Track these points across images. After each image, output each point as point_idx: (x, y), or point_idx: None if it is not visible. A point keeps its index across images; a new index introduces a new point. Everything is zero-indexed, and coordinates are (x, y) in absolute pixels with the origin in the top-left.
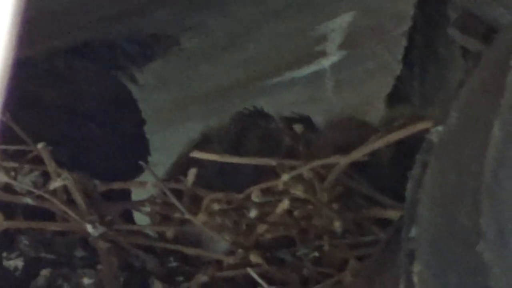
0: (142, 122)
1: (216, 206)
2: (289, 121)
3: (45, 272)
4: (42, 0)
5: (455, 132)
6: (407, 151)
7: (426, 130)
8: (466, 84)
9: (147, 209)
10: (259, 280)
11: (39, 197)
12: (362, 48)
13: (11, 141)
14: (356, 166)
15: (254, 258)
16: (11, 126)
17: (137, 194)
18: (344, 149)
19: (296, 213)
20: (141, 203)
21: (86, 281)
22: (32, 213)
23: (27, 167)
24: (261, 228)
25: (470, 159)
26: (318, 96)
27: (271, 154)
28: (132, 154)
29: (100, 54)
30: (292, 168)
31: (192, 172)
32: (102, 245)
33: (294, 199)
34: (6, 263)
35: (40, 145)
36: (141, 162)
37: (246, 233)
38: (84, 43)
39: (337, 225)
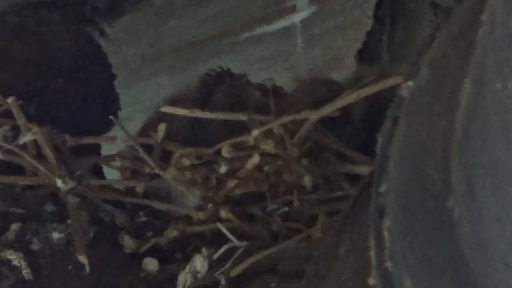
0: (112, 76)
1: (186, 161)
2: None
3: (14, 226)
4: None
5: (425, 87)
6: (379, 107)
7: (397, 86)
8: (436, 39)
9: (117, 164)
10: (229, 235)
11: (8, 151)
12: (332, 3)
13: None
14: (327, 122)
15: (224, 213)
16: None
17: (107, 148)
18: (314, 106)
19: (266, 168)
20: (111, 158)
21: (55, 235)
22: (1, 167)
23: None
24: (231, 183)
25: (441, 115)
26: (288, 51)
27: (239, 110)
28: (102, 108)
29: (69, 9)
30: (263, 123)
31: (162, 127)
32: (72, 199)
33: (264, 155)
34: None
35: (10, 99)
36: (111, 117)
37: (216, 188)
38: None
39: (307, 180)
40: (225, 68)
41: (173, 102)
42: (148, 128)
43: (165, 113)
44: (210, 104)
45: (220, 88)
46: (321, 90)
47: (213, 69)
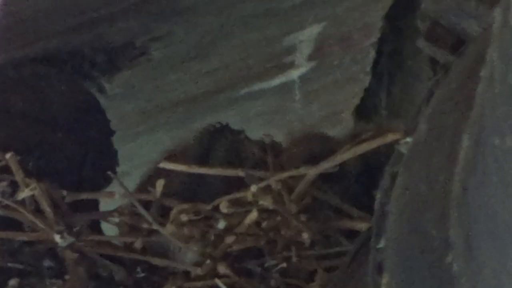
0: (110, 132)
1: (184, 217)
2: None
3: (12, 282)
4: (9, 9)
5: (424, 143)
6: (373, 163)
7: (394, 142)
8: (434, 95)
9: (115, 219)
10: None
11: (6, 206)
12: (330, 59)
13: None
14: (324, 177)
15: (222, 269)
16: None
17: (105, 204)
18: (309, 162)
19: (264, 224)
20: (109, 213)
21: None
22: None
23: None
24: (229, 239)
25: (439, 170)
26: (286, 107)
27: (237, 166)
28: (100, 164)
29: (68, 64)
30: (261, 179)
31: (160, 183)
32: (70, 255)
33: (263, 210)
34: None
35: (8, 155)
36: (109, 172)
37: (214, 244)
38: (52, 53)
39: (305, 236)
40: (224, 124)
41: (171, 157)
42: (146, 184)
43: (163, 169)
44: (209, 159)
45: (219, 144)
46: (316, 145)
47: (212, 124)
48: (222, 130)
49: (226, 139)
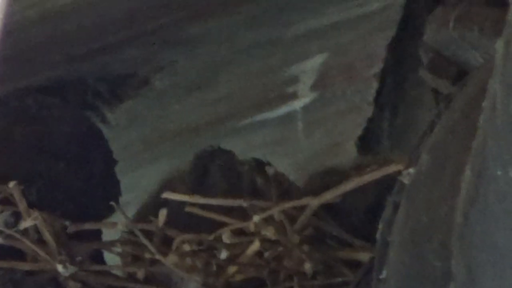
0: (113, 162)
1: (186, 247)
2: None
3: None
4: (13, 39)
5: (426, 174)
6: (376, 194)
7: (397, 173)
8: (437, 126)
9: (118, 249)
10: None
11: (9, 236)
12: (333, 89)
13: None
14: (327, 208)
15: None
16: None
17: (107, 234)
18: (312, 192)
19: (266, 254)
20: (112, 243)
21: None
22: (2, 252)
23: None
24: (232, 269)
25: (441, 201)
26: (289, 137)
27: (235, 191)
28: (103, 194)
29: (71, 93)
30: (263, 209)
31: (163, 213)
32: (73, 285)
33: (265, 240)
34: None
35: (11, 185)
36: (112, 203)
37: (216, 274)
38: (55, 82)
39: (308, 266)
40: (217, 148)
41: (170, 184)
42: (147, 213)
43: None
44: (207, 182)
45: (216, 168)
46: (319, 176)
47: (206, 149)
48: (216, 153)
49: (221, 163)
